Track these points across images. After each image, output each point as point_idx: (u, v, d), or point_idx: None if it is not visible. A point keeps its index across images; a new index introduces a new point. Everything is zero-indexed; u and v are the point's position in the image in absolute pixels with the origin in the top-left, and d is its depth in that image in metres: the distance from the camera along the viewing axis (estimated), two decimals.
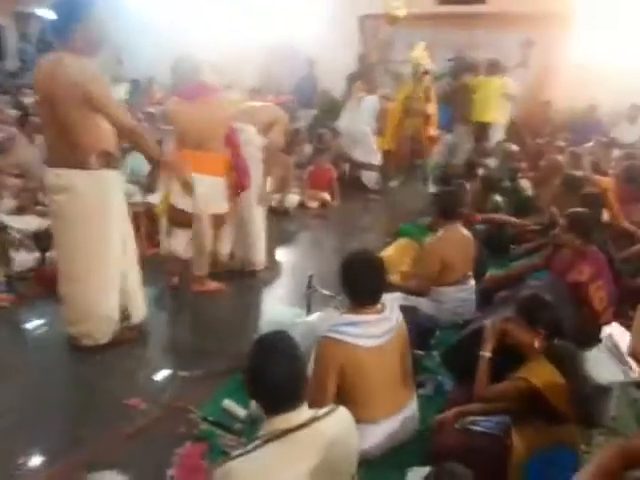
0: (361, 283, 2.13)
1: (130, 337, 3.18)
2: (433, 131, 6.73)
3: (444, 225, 3.31)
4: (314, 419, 1.60)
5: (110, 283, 3.02)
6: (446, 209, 3.33)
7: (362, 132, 6.74)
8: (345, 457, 1.66)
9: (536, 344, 2.08)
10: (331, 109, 9.26)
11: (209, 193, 3.63)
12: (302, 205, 6.12)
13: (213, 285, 3.96)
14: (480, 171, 5.08)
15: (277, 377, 1.54)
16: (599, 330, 2.86)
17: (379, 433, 2.13)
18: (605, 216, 3.77)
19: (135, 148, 3.67)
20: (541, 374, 1.96)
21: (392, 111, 6.83)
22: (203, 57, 3.82)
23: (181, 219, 3.72)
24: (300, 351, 1.64)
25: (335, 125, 7.22)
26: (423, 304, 3.18)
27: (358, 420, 1.81)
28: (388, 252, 3.88)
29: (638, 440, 1.64)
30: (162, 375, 2.91)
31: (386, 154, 7.11)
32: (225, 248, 4.30)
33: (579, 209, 3.29)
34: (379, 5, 8.60)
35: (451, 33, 8.40)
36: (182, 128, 3.61)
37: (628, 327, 2.83)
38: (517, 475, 1.98)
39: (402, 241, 4.03)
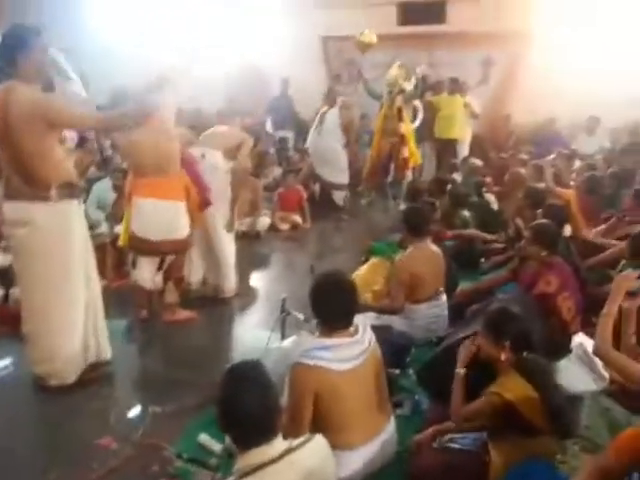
0: (332, 306, 2.11)
1: (98, 374, 3.09)
2: (406, 152, 6.75)
3: (413, 242, 3.33)
4: (289, 450, 1.58)
5: (74, 319, 2.94)
6: (414, 226, 3.36)
7: (332, 149, 6.74)
8: None
9: (502, 357, 2.09)
10: (300, 131, 9.40)
11: (169, 219, 3.58)
12: (273, 228, 6.11)
13: (184, 314, 3.90)
14: (449, 187, 5.17)
15: (248, 410, 1.51)
16: (569, 340, 2.89)
17: (357, 459, 2.10)
18: (568, 228, 3.85)
19: (120, 130, 3.59)
20: (513, 388, 1.98)
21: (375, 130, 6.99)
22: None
23: (142, 247, 3.66)
24: (272, 381, 1.62)
25: (305, 146, 7.28)
26: (396, 322, 3.19)
27: (335, 447, 1.79)
28: (360, 272, 3.90)
29: (609, 458, 1.68)
30: (133, 412, 2.82)
31: (357, 172, 7.21)
32: (196, 275, 4.26)
33: (542, 221, 3.37)
34: (340, 27, 8.83)
35: (413, 53, 8.61)
36: (136, 158, 3.55)
37: (594, 335, 2.88)
38: None
39: (374, 260, 4.05)
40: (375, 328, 2.39)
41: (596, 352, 2.26)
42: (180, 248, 3.75)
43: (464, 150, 7.54)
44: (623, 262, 3.39)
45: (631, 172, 5.33)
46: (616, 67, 7.00)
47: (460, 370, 2.26)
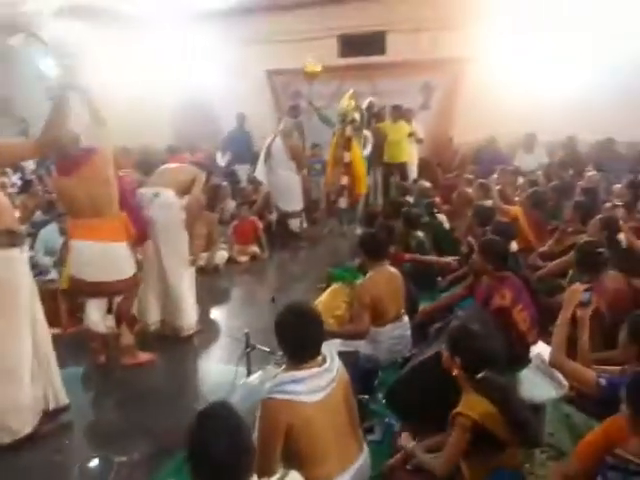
0: (300, 338, 2.10)
1: (56, 425, 2.96)
2: (345, 180, 6.83)
3: (372, 266, 3.38)
4: None
5: (23, 370, 2.82)
6: (372, 250, 3.41)
7: (284, 178, 6.77)
8: None
9: (454, 372, 2.14)
10: (253, 161, 9.45)
11: (109, 260, 3.51)
12: (232, 261, 6.07)
13: (144, 356, 3.80)
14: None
15: (222, 454, 1.48)
16: (527, 350, 3.00)
17: None
18: (514, 244, 4.02)
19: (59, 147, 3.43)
20: (476, 407, 2.02)
21: (330, 157, 7.10)
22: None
23: (84, 289, 3.58)
24: (244, 421, 1.59)
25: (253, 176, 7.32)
26: (362, 346, 3.21)
27: None
28: (322, 298, 3.92)
29: (572, 465, 1.75)
30: (96, 464, 2.69)
31: (313, 202, 7.33)
32: (153, 315, 4.17)
33: (490, 237, 3.51)
34: (284, 60, 9.04)
35: (355, 83, 8.87)
36: (70, 203, 3.47)
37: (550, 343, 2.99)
38: None
39: (335, 286, 4.08)
40: (341, 354, 2.40)
41: (552, 362, 2.36)
42: (124, 288, 3.66)
43: (413, 173, 7.77)
44: (571, 272, 3.57)
45: (570, 184, 5.64)
46: (548, 86, 7.44)
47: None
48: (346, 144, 6.72)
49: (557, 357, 2.29)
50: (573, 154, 7.53)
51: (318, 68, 7.01)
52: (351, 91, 6.92)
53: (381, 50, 8.92)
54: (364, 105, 7.18)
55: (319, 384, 2.07)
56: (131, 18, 8.85)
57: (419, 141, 7.94)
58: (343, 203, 6.99)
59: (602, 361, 2.39)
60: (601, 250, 3.11)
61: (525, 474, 2.11)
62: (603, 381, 2.05)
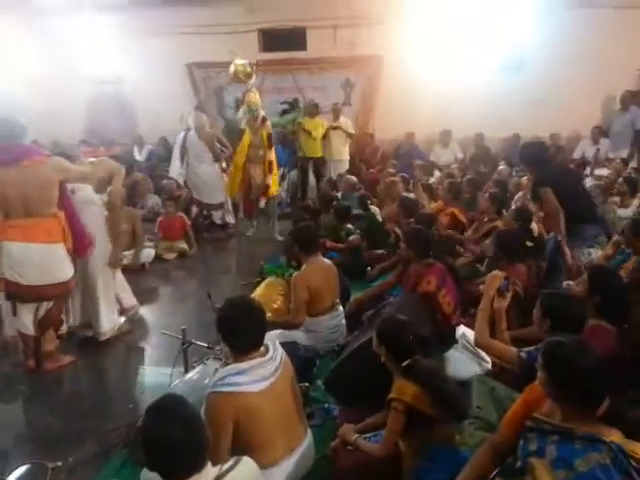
0: (244, 331, 2.14)
1: None
2: (270, 180, 6.47)
3: (306, 258, 3.46)
4: (220, 476, 1.60)
5: None
6: (306, 243, 3.49)
7: (203, 172, 6.58)
8: None
9: (382, 359, 2.28)
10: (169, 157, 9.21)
11: (44, 262, 3.35)
12: (159, 258, 5.91)
13: (66, 359, 3.67)
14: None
15: (180, 444, 1.51)
16: (453, 332, 3.22)
17: (282, 473, 2.15)
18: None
19: None
20: (407, 391, 2.16)
21: (236, 161, 6.46)
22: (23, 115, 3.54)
23: (18, 293, 3.39)
24: (196, 411, 1.62)
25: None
26: (300, 336, 3.29)
27: (261, 466, 1.83)
28: (258, 292, 3.95)
29: (500, 435, 1.96)
30: (30, 471, 2.58)
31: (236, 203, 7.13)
32: (76, 318, 4.00)
33: (415, 227, 3.72)
34: (204, 53, 8.87)
35: (278, 78, 8.92)
36: (2, 200, 3.27)
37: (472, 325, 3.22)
38: (411, 476, 2.15)
39: (269, 279, 4.13)
40: (282, 344, 2.46)
41: (477, 343, 2.57)
42: (60, 292, 3.51)
43: (343, 168, 7.94)
44: (487, 260, 3.86)
45: (484, 177, 6.05)
46: (463, 83, 7.87)
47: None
48: (268, 142, 6.37)
49: (481, 339, 2.50)
50: (483, 149, 8.06)
51: (248, 68, 6.53)
52: (254, 88, 6.52)
53: (302, 46, 8.99)
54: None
55: (263, 374, 2.12)
56: (43, 8, 8.33)
57: (349, 136, 8.13)
58: (262, 203, 6.72)
59: (520, 339, 2.62)
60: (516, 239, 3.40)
61: (457, 445, 2.29)
62: (524, 355, 2.27)
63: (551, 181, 3.79)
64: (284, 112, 8.07)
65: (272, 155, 6.48)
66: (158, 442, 1.52)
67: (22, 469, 2.57)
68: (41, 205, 3.31)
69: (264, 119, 6.34)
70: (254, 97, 6.31)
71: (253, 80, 6.51)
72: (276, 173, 6.72)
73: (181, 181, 6.79)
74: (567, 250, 3.73)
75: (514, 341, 2.60)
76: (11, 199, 3.24)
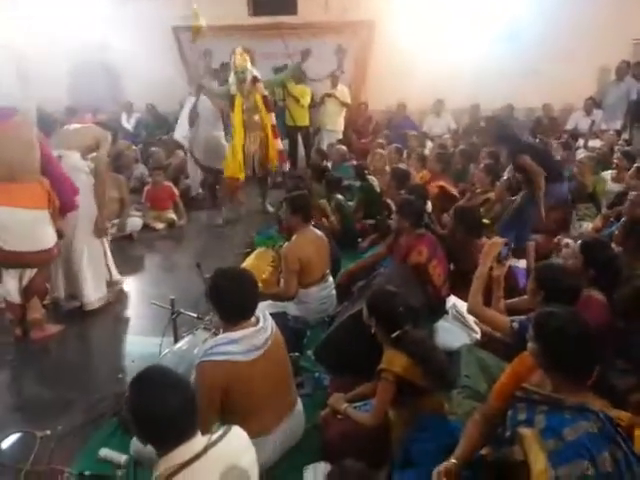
0: (236, 301, 2.12)
1: None
2: (279, 144, 5.94)
3: (298, 228, 3.42)
4: (210, 445, 1.59)
5: None
6: (301, 212, 3.43)
7: (212, 137, 6.11)
8: (245, 476, 1.67)
9: (373, 331, 2.28)
10: (161, 124, 9.02)
11: (27, 228, 3.29)
12: (147, 228, 5.83)
13: (53, 328, 3.64)
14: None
15: (170, 412, 1.49)
16: (443, 302, 3.23)
17: (272, 442, 2.17)
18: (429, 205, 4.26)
19: None
20: (396, 361, 2.16)
21: (234, 133, 5.75)
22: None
23: (5, 259, 3.33)
24: (185, 379, 1.60)
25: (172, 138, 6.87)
26: (290, 307, 3.28)
27: (251, 435, 1.83)
28: (248, 262, 3.92)
29: (489, 405, 1.97)
30: (19, 440, 2.58)
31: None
32: (60, 288, 3.96)
33: (408, 197, 3.69)
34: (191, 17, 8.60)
35: (268, 43, 8.69)
36: None
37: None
38: (400, 445, 2.17)
39: (259, 250, 4.09)
40: (271, 315, 2.45)
41: (470, 311, 2.56)
42: (43, 260, 3.45)
43: (335, 138, 7.83)
44: None
45: (476, 148, 6.00)
46: (456, 53, 7.74)
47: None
48: (265, 104, 5.74)
49: (475, 306, 2.49)
50: (477, 120, 7.98)
51: (203, 23, 6.02)
52: (240, 48, 5.85)
53: (292, 10, 8.75)
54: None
55: (255, 343, 2.11)
56: None
57: (345, 105, 7.99)
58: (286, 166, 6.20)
59: (513, 309, 2.62)
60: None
61: (446, 414, 2.31)
62: (516, 324, 2.28)
63: (527, 150, 4.15)
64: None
65: (272, 118, 5.85)
66: (145, 413, 1.51)
67: (11, 438, 2.58)
68: (24, 169, 3.23)
69: (255, 80, 5.69)
70: (240, 58, 5.67)
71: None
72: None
73: (186, 145, 6.49)
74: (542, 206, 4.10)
75: (506, 310, 2.61)
76: None
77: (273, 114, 5.90)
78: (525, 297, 2.60)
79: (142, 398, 1.53)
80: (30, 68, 8.13)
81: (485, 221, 3.42)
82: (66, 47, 8.60)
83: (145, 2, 8.31)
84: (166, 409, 1.49)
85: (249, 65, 5.64)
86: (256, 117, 5.73)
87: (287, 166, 6.24)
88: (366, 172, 5.26)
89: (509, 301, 2.70)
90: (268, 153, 5.84)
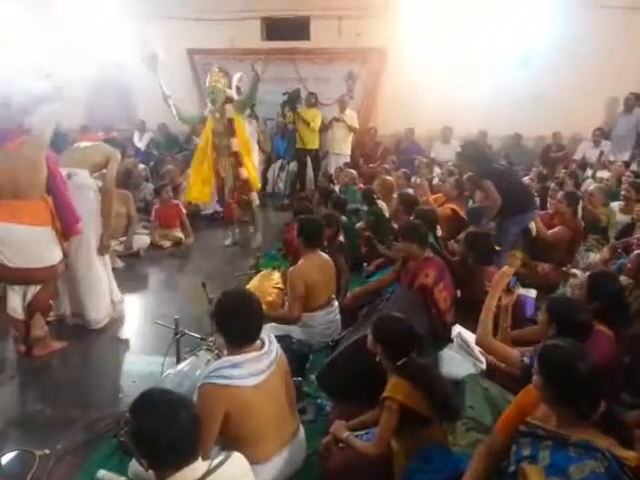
0: (241, 324, 2.11)
1: None
2: (244, 173, 5.50)
3: (305, 253, 3.41)
4: (210, 471, 1.57)
5: None
6: (310, 237, 3.43)
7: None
8: None
9: (377, 358, 2.25)
10: (172, 144, 9.15)
11: (31, 244, 3.30)
12: (154, 246, 5.87)
13: (56, 345, 3.62)
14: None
15: (173, 437, 1.49)
16: (449, 329, 3.20)
17: (273, 469, 2.13)
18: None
19: None
20: (401, 389, 2.13)
21: (199, 152, 5.52)
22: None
23: (4, 275, 3.35)
24: (189, 403, 1.60)
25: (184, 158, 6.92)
26: (295, 331, 3.27)
27: (252, 461, 1.81)
28: (253, 284, 3.92)
29: (494, 438, 1.94)
30: (17, 458, 2.55)
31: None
32: (64, 305, 3.96)
33: (412, 221, 3.71)
34: (205, 40, 8.77)
35: (280, 68, 8.84)
36: None
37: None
38: (402, 476, 2.14)
39: (264, 272, 4.09)
40: (275, 338, 2.44)
41: (479, 343, 2.53)
42: (47, 276, 3.45)
43: (342, 162, 7.89)
44: None
45: None
46: (465, 81, 7.82)
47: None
48: (230, 127, 5.32)
49: (484, 338, 2.46)
50: (487, 149, 8.01)
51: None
52: (216, 67, 5.53)
53: (305, 35, 8.91)
54: (235, 81, 5.58)
55: (258, 367, 2.10)
56: None
57: (353, 130, 8.08)
58: (256, 200, 5.82)
59: (520, 339, 2.59)
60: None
61: (450, 446, 2.27)
62: (526, 359, 2.25)
63: (492, 175, 4.20)
64: (284, 103, 7.98)
65: (237, 144, 5.40)
66: (147, 436, 1.50)
67: (10, 455, 2.56)
68: (29, 188, 3.25)
69: (227, 101, 5.28)
70: (211, 77, 5.31)
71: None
72: (251, 167, 5.61)
73: None
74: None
75: (514, 340, 2.58)
76: None
77: (236, 139, 5.42)
78: (533, 327, 2.58)
79: (144, 421, 1.52)
80: (50, 88, 8.35)
81: (497, 248, 3.39)
82: (82, 66, 8.78)
83: (160, 24, 8.49)
84: (168, 433, 1.49)
85: (221, 85, 5.25)
86: (225, 141, 5.41)
87: (255, 196, 5.84)
88: (375, 196, 5.27)
89: (517, 331, 2.68)
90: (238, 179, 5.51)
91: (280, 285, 3.90)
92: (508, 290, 2.55)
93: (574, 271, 3.70)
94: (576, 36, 7.35)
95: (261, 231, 6.04)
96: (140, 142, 9.03)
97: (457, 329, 3.08)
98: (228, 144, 5.41)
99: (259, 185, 5.87)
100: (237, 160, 5.45)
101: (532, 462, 1.66)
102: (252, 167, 5.66)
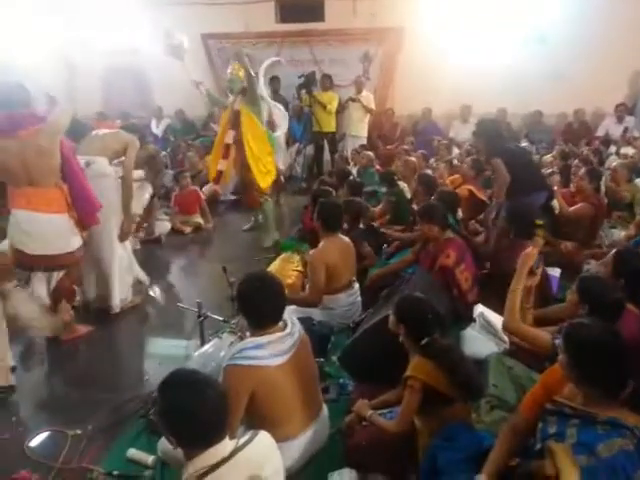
0: (264, 306, 2.13)
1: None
2: (220, 165, 5.20)
3: (325, 235, 3.40)
4: (238, 449, 1.60)
5: None
6: (329, 221, 3.42)
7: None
8: None
9: (400, 338, 2.26)
10: (189, 129, 9.17)
11: (49, 232, 3.34)
12: (175, 231, 5.94)
13: (82, 329, 3.69)
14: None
15: (203, 414, 1.51)
16: (470, 309, 3.19)
17: (297, 448, 2.16)
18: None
19: None
20: (423, 369, 2.14)
21: (218, 137, 5.32)
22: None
23: (24, 261, 3.39)
24: (216, 383, 1.62)
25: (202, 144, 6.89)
26: (316, 313, 3.28)
27: (278, 439, 1.84)
28: (274, 267, 3.94)
29: (518, 417, 1.94)
30: (50, 439, 2.64)
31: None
32: (90, 290, 4.03)
33: (431, 202, 3.67)
34: (219, 24, 8.71)
35: (295, 50, 8.77)
36: (5, 169, 3.23)
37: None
38: (426, 454, 2.15)
39: (284, 255, 4.10)
40: (298, 320, 2.46)
41: (506, 327, 2.50)
42: (67, 262, 3.49)
43: (359, 144, 7.83)
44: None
45: None
46: (483, 59, 7.67)
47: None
48: (232, 120, 5.07)
49: (511, 322, 2.42)
50: (505, 125, 7.87)
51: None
52: (245, 52, 5.25)
53: (320, 17, 8.81)
54: (261, 71, 5.46)
55: (282, 348, 2.12)
56: None
57: (369, 110, 8.00)
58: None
59: (546, 317, 2.55)
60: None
61: (473, 423, 2.28)
62: (558, 341, 2.22)
63: (503, 154, 4.05)
64: (300, 86, 7.92)
65: (232, 136, 5.08)
66: (178, 414, 1.53)
67: (43, 435, 2.64)
68: (42, 175, 3.27)
69: (243, 92, 5.01)
70: (233, 66, 5.07)
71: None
72: (259, 167, 5.06)
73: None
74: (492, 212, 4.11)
75: (535, 320, 2.56)
76: (14, 169, 3.22)
77: (232, 131, 5.09)
78: (559, 306, 2.55)
79: (173, 400, 1.55)
80: (64, 74, 8.42)
81: (538, 222, 3.32)
82: (98, 54, 8.83)
83: (175, 9, 8.45)
84: (197, 411, 1.52)
85: (240, 75, 4.95)
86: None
87: (225, 189, 5.65)
88: (395, 177, 5.22)
89: (541, 310, 2.65)
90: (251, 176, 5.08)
91: (300, 268, 3.91)
92: (531, 272, 2.52)
93: (589, 263, 3.63)
94: (596, 8, 7.13)
95: (271, 232, 5.47)
96: (157, 129, 9.06)
97: (479, 309, 3.06)
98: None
99: (266, 183, 5.24)
100: (226, 152, 5.14)
101: (559, 440, 1.65)
102: (261, 167, 5.09)
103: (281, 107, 5.85)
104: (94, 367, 3.37)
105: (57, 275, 3.56)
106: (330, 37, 8.78)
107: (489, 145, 4.22)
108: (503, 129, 4.92)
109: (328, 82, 7.98)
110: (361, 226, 4.04)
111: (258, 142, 5.02)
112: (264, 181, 5.09)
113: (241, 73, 4.97)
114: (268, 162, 5.10)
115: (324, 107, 7.73)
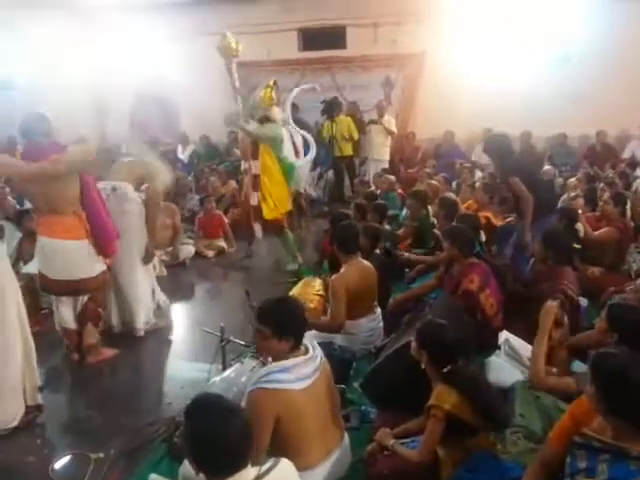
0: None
1: (29, 420, 2.93)
2: (254, 199, 5.20)
3: (345, 260, 3.39)
4: (259, 477, 1.59)
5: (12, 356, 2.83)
6: (344, 243, 3.42)
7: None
8: None
9: (422, 365, 2.23)
10: (213, 154, 9.34)
11: (70, 258, 3.42)
12: (199, 255, 6.00)
13: (108, 352, 3.74)
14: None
15: (229, 440, 1.51)
16: (495, 336, 3.13)
17: (320, 476, 2.14)
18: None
19: None
20: (447, 398, 2.11)
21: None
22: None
23: (50, 286, 3.51)
24: (240, 409, 1.62)
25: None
26: (337, 338, 3.26)
27: (299, 468, 1.82)
28: (295, 291, 3.94)
29: (548, 449, 1.90)
30: (74, 461, 2.64)
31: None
32: (113, 314, 4.07)
33: (456, 225, 3.65)
34: (244, 53, 8.90)
35: (317, 77, 8.90)
36: (29, 196, 3.39)
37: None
38: None
39: (306, 279, 4.11)
40: (318, 345, 2.45)
41: (533, 380, 2.49)
42: (91, 287, 3.55)
43: (380, 167, 7.88)
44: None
45: None
46: (504, 81, 7.68)
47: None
48: (252, 150, 5.11)
49: (536, 377, 2.44)
50: (528, 148, 7.83)
51: (233, 44, 5.48)
52: (272, 81, 5.35)
53: (342, 44, 8.96)
54: (290, 97, 5.68)
55: (305, 372, 2.11)
56: (91, 7, 8.56)
57: (390, 133, 8.05)
58: (258, 231, 5.45)
59: (576, 346, 2.51)
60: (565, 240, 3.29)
61: (498, 454, 2.22)
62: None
63: (517, 172, 3.96)
64: (322, 112, 8.03)
65: (256, 166, 5.10)
66: (204, 440, 1.53)
67: (66, 459, 2.64)
68: (61, 202, 3.35)
69: (265, 120, 5.11)
70: (259, 93, 5.22)
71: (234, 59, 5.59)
72: (283, 192, 5.19)
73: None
74: (528, 233, 3.91)
75: (569, 348, 2.51)
76: (34, 196, 3.36)
77: (255, 161, 5.16)
78: (586, 333, 2.50)
79: (198, 425, 1.55)
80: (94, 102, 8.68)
81: (576, 246, 3.26)
82: (128, 81, 9.11)
83: (199, 39, 8.70)
84: (222, 438, 1.51)
85: (265, 103, 5.09)
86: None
87: (259, 230, 5.46)
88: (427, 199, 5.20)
89: (575, 337, 2.60)
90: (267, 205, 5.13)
91: (322, 292, 3.91)
92: (557, 323, 2.48)
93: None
94: (618, 29, 7.10)
95: (293, 256, 5.45)
96: (182, 155, 9.26)
97: (504, 335, 3.01)
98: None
99: (283, 210, 5.32)
100: (253, 184, 5.19)
101: (589, 476, 1.60)
102: (270, 203, 5.14)
103: (308, 135, 5.90)
104: (117, 390, 3.40)
105: (82, 299, 3.62)
106: (352, 64, 8.92)
107: (501, 161, 4.15)
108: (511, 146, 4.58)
109: (353, 107, 8.06)
110: (377, 251, 4.03)
111: (270, 176, 5.09)
112: (269, 214, 5.14)
113: (265, 102, 5.06)
114: (277, 199, 5.15)
115: (345, 136, 7.80)
